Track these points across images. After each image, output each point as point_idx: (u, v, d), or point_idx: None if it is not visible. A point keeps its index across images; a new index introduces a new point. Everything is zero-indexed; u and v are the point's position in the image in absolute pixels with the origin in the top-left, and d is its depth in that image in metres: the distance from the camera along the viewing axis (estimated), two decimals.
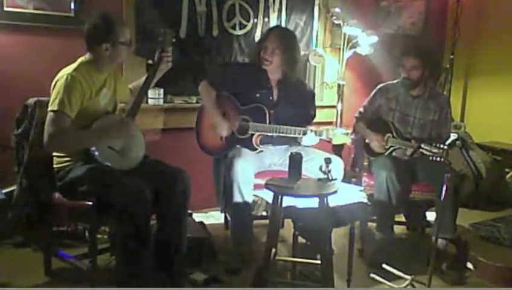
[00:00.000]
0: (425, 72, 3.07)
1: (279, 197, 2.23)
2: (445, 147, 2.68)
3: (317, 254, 2.40)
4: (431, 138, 3.05)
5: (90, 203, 2.25)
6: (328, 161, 2.32)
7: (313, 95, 3.23)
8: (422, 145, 2.77)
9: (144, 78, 2.51)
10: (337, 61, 4.03)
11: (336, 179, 2.37)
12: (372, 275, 2.71)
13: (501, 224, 3.41)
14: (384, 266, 2.73)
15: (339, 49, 3.93)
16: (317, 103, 3.34)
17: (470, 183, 4.04)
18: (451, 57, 4.55)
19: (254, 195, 2.73)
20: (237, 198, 2.69)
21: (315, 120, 3.11)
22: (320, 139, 2.82)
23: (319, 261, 2.32)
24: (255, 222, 2.95)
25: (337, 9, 3.83)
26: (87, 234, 2.75)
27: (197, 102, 3.46)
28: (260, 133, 2.89)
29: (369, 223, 3.11)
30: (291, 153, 2.35)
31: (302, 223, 2.45)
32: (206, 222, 3.21)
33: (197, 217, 3.27)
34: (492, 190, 4.11)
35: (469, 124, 4.53)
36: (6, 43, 2.90)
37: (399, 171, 2.88)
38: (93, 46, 2.33)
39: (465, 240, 2.98)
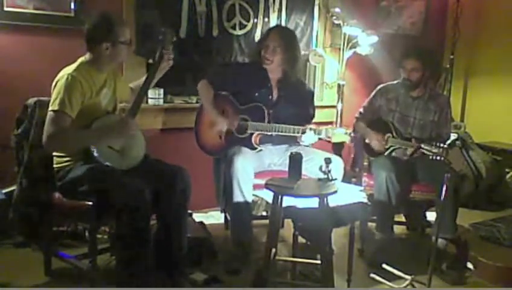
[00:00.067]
0: (426, 73, 3.07)
1: (279, 197, 2.23)
2: (445, 147, 2.68)
3: (317, 254, 2.40)
4: (431, 138, 3.05)
5: (90, 203, 2.24)
6: (328, 161, 2.32)
7: (312, 94, 3.23)
8: (422, 145, 2.77)
9: (144, 78, 2.51)
10: (337, 61, 4.02)
11: (335, 179, 2.37)
12: (372, 275, 2.71)
13: (501, 224, 3.41)
14: (384, 266, 2.73)
15: (339, 49, 3.92)
16: (317, 103, 3.35)
17: (470, 183, 4.04)
18: (451, 57, 4.55)
19: (254, 195, 2.72)
20: (237, 196, 2.69)
21: (315, 120, 3.11)
22: (320, 138, 2.82)
23: (319, 261, 2.32)
24: (255, 222, 2.95)
25: (337, 9, 3.82)
26: (87, 234, 2.76)
27: (197, 102, 3.47)
28: (259, 132, 2.89)
29: (369, 223, 3.11)
30: (291, 153, 2.35)
31: (302, 223, 2.45)
32: (206, 222, 3.21)
33: (197, 217, 3.27)
34: (492, 190, 4.11)
35: (469, 124, 4.53)
36: (6, 43, 2.90)
37: (399, 171, 2.88)
38: (93, 46, 2.33)
39: (465, 240, 2.98)
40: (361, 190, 2.74)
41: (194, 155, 3.02)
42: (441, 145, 2.69)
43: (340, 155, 3.25)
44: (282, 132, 2.83)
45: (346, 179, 3.12)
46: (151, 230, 2.32)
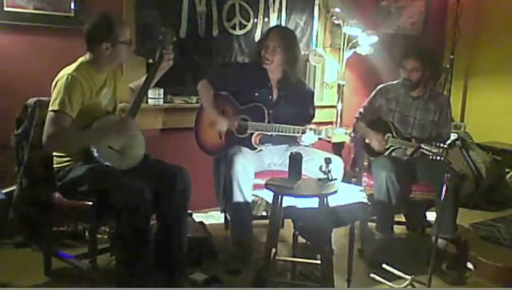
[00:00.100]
0: (426, 73, 3.07)
1: (279, 197, 2.23)
2: (445, 147, 2.68)
3: (317, 254, 2.40)
4: (431, 138, 3.05)
5: (90, 203, 2.24)
6: (328, 161, 2.32)
7: (312, 94, 3.23)
8: (422, 145, 2.77)
9: (144, 78, 2.51)
10: (337, 61, 4.02)
11: (335, 179, 2.37)
12: (372, 275, 2.71)
13: (501, 224, 3.41)
14: (384, 266, 2.73)
15: (339, 49, 3.92)
16: (317, 103, 3.34)
17: (470, 183, 4.04)
18: (451, 57, 4.55)
19: (254, 195, 2.72)
20: (237, 195, 2.69)
21: (315, 120, 3.11)
22: (320, 138, 2.82)
23: (319, 261, 2.32)
24: (255, 222, 2.95)
25: (337, 9, 3.82)
26: (87, 234, 2.76)
27: (197, 102, 3.47)
28: (259, 132, 2.89)
29: (369, 223, 3.11)
30: (291, 153, 2.35)
31: (302, 223, 2.45)
32: (206, 222, 3.21)
33: (197, 217, 3.27)
34: (492, 190, 4.11)
35: (469, 124, 4.53)
36: (6, 43, 2.90)
37: (399, 171, 2.88)
38: (93, 46, 2.33)
39: (465, 240, 2.98)
40: (361, 190, 2.74)
41: (194, 155, 3.02)
42: (441, 145, 2.69)
43: (340, 155, 3.25)
44: (282, 132, 2.83)
45: (346, 179, 3.12)
46: (151, 230, 2.32)
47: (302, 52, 3.31)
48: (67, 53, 2.47)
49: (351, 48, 3.86)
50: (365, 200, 2.60)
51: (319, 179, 2.33)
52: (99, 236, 2.62)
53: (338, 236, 2.98)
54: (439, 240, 2.74)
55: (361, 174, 3.22)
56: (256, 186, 2.72)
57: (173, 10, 3.35)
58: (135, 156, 2.46)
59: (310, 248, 2.69)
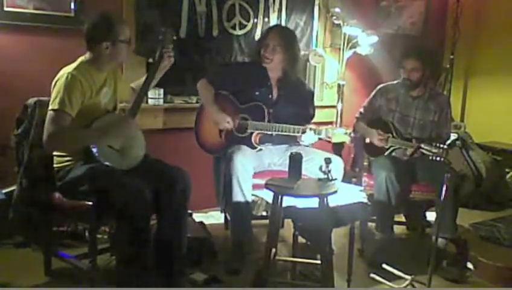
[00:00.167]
0: (426, 73, 3.07)
1: (279, 197, 2.23)
2: (445, 147, 2.68)
3: (317, 254, 2.40)
4: (431, 138, 3.05)
5: (90, 203, 2.24)
6: (328, 161, 2.32)
7: (312, 94, 3.23)
8: (422, 145, 2.77)
9: (144, 77, 2.51)
10: (337, 61, 4.02)
11: (335, 179, 2.37)
12: (372, 275, 2.71)
13: (501, 224, 3.41)
14: (384, 266, 2.74)
15: (339, 49, 3.92)
16: (317, 103, 3.34)
17: (470, 183, 4.04)
18: (451, 57, 4.55)
19: (254, 195, 2.72)
20: (237, 193, 2.68)
21: (315, 120, 3.11)
22: (320, 138, 2.82)
23: (319, 261, 2.32)
24: (255, 222, 2.94)
25: (337, 9, 3.82)
26: (87, 234, 2.76)
27: (197, 102, 3.46)
28: (259, 131, 2.89)
29: (369, 223, 3.11)
30: (291, 153, 2.35)
31: (302, 223, 2.45)
32: (206, 222, 3.21)
33: (197, 217, 3.27)
34: (492, 190, 4.11)
35: (469, 124, 4.53)
36: (6, 43, 2.89)
37: (399, 172, 2.88)
38: (93, 45, 2.33)
39: (465, 240, 2.98)
40: (361, 190, 2.74)
41: (194, 155, 3.02)
42: (441, 145, 2.69)
43: (340, 155, 3.25)
44: (282, 131, 2.83)
45: (346, 179, 3.12)
46: (151, 230, 2.32)
47: (302, 52, 3.32)
48: (67, 53, 2.47)
49: (351, 48, 3.86)
50: (365, 200, 2.60)
51: (319, 179, 2.33)
52: (99, 236, 2.62)
53: (338, 236, 2.98)
54: (439, 240, 2.73)
55: (361, 174, 3.22)
56: (256, 186, 2.72)
57: (173, 10, 3.35)
58: (135, 156, 2.46)
59: (310, 248, 2.69)
